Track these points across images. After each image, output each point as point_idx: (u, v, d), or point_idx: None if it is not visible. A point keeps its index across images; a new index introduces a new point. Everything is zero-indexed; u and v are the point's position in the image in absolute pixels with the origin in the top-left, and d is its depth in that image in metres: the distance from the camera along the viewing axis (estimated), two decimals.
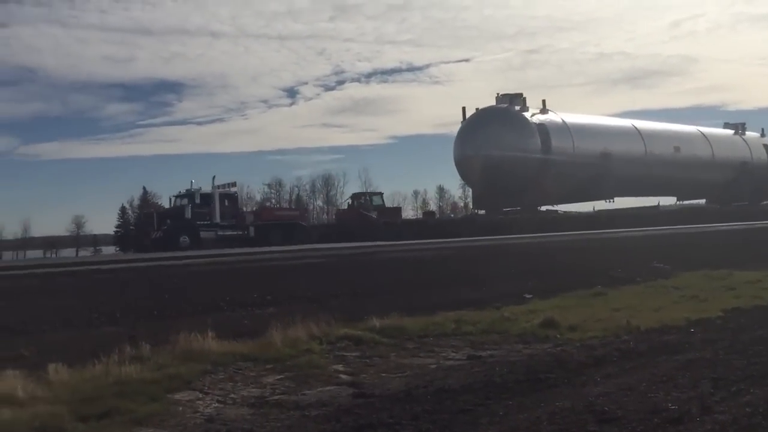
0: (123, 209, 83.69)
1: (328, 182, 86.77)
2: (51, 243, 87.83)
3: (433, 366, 9.07)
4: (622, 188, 48.68)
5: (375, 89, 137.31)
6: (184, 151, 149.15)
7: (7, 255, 75.88)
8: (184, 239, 31.37)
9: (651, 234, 31.27)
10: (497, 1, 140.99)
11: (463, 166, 47.70)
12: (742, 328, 10.87)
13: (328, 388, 7.99)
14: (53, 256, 74.88)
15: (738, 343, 9.43)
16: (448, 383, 7.75)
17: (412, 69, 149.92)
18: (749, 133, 63.17)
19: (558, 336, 10.93)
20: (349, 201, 48.92)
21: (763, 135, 64.87)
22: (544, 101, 47.02)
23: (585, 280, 17.89)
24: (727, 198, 56.64)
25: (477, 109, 47.33)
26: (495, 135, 43.99)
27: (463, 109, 47.64)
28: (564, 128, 46.02)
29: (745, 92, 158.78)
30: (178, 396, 7.71)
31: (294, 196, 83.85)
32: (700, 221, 41.03)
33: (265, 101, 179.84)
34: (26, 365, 8.61)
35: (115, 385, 7.88)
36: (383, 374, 8.65)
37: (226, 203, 35.13)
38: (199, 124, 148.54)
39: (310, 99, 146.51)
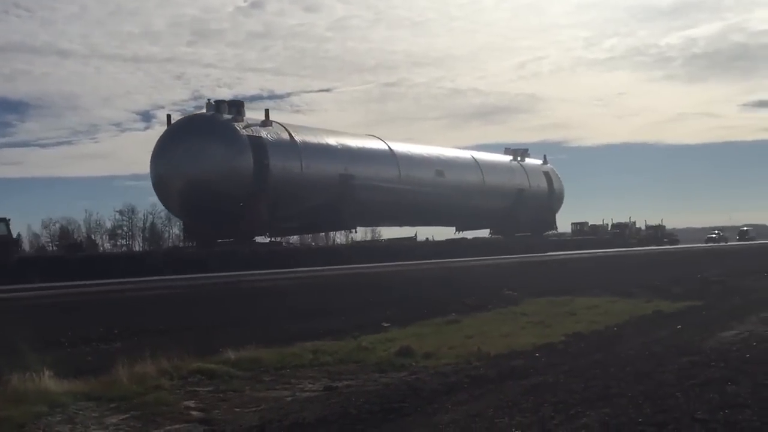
0: None
1: None
2: None
3: (289, 398, 8.94)
4: (370, 216, 43.45)
5: None
6: (26, 175, 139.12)
7: None
8: None
9: (500, 263, 32.79)
10: (358, 34, 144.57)
11: (159, 187, 37.33)
12: (582, 353, 11.59)
13: (176, 426, 7.65)
14: None
15: (577, 368, 10.02)
16: (304, 416, 7.65)
17: (273, 97, 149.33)
18: (529, 160, 59.88)
19: (414, 364, 11.14)
20: None
21: (545, 162, 62.39)
22: (267, 111, 38.90)
23: (441, 307, 18.43)
24: (510, 228, 53.76)
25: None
26: (197, 149, 34.80)
27: (168, 116, 38.10)
28: (291, 145, 38.11)
29: (585, 130, 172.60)
30: None
31: (148, 224, 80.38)
32: (470, 254, 37.20)
33: (117, 124, 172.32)
34: None
35: None
36: (237, 409, 8.41)
37: None
38: (43, 146, 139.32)
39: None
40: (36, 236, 62.15)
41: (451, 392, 8.62)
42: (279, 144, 37.60)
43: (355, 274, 24.42)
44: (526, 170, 57.52)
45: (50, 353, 11.18)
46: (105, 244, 57.29)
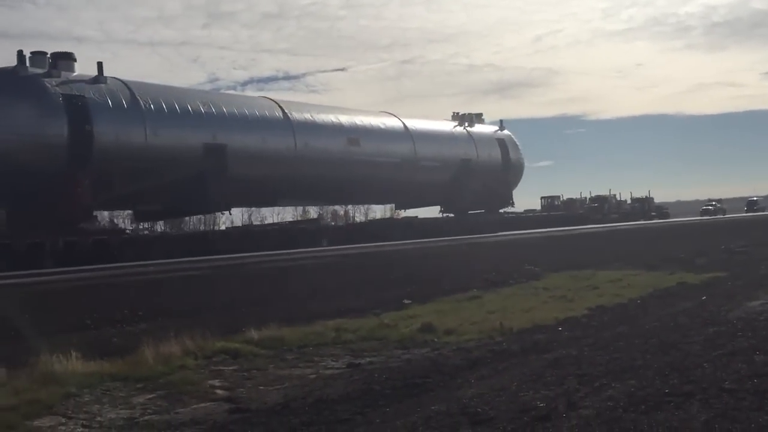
0: None
1: None
2: None
3: (313, 376, 8.99)
4: (252, 195, 35.47)
5: None
6: None
7: None
8: None
9: (522, 238, 32.65)
10: (372, 12, 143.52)
11: None
12: (605, 326, 11.53)
13: (202, 404, 7.73)
14: None
15: (601, 340, 9.98)
16: (327, 393, 7.69)
17: (288, 78, 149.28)
18: (479, 127, 49.78)
19: (435, 340, 11.15)
20: None
21: (500, 129, 51.27)
22: (99, 63, 29.51)
23: (462, 284, 18.41)
24: (456, 205, 45.97)
25: None
26: None
27: None
28: (131, 108, 28.91)
29: (604, 102, 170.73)
30: (38, 423, 7.20)
31: None
32: (379, 238, 31.40)
33: None
34: None
35: None
36: (261, 387, 8.48)
37: None
38: None
39: None
40: None
41: (474, 367, 8.62)
42: (111, 106, 28.21)
43: (374, 252, 24.44)
44: (474, 138, 47.47)
45: (76, 335, 11.33)
46: (127, 227, 58.05)
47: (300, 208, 62.91)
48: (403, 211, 50.74)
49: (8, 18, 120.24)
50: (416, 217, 47.03)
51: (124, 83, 29.96)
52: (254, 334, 11.45)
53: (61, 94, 27.21)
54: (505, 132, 51.49)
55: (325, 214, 61.77)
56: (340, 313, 13.97)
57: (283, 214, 63.00)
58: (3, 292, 13.97)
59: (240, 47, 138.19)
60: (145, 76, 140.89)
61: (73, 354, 9.33)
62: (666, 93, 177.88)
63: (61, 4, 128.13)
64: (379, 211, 60.42)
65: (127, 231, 31.04)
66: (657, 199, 71.74)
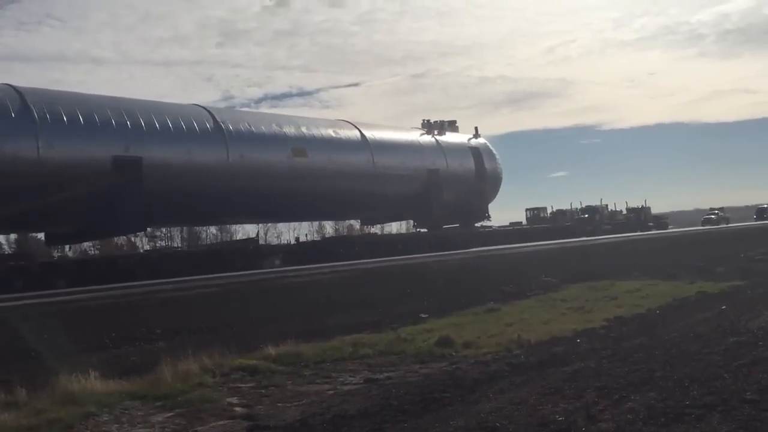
0: None
1: None
2: None
3: (330, 392, 8.97)
4: (173, 214, 31.22)
5: None
6: None
7: None
8: None
9: (538, 249, 32.49)
10: (385, 27, 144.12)
11: None
12: (624, 337, 11.43)
13: (221, 422, 7.73)
14: None
15: (620, 351, 9.90)
16: (345, 409, 7.68)
17: (302, 94, 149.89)
18: (451, 135, 45.81)
19: (453, 354, 11.10)
20: None
21: (475, 136, 47.19)
22: None
23: (479, 296, 18.34)
24: (433, 219, 42.29)
25: None
26: None
27: None
28: (19, 118, 24.86)
29: (618, 112, 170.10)
30: None
31: None
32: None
33: None
34: None
35: None
36: (279, 404, 8.47)
37: None
38: None
39: None
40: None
41: (492, 381, 8.57)
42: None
43: (391, 266, 24.43)
44: (443, 147, 43.50)
45: (96, 354, 11.41)
46: (145, 246, 57.74)
47: (316, 224, 62.20)
48: (371, 226, 47.63)
49: (27, 41, 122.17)
50: (376, 233, 45.34)
51: (15, 89, 26.08)
52: (271, 350, 11.46)
53: None
54: (480, 140, 47.37)
55: (341, 229, 61.30)
56: (357, 328, 13.96)
57: (299, 229, 62.38)
58: (22, 312, 14.11)
59: (254, 65, 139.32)
60: (161, 96, 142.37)
61: (92, 373, 9.39)
62: (680, 101, 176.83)
63: (78, 27, 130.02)
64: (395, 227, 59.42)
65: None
66: (655, 209, 67.58)
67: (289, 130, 35.44)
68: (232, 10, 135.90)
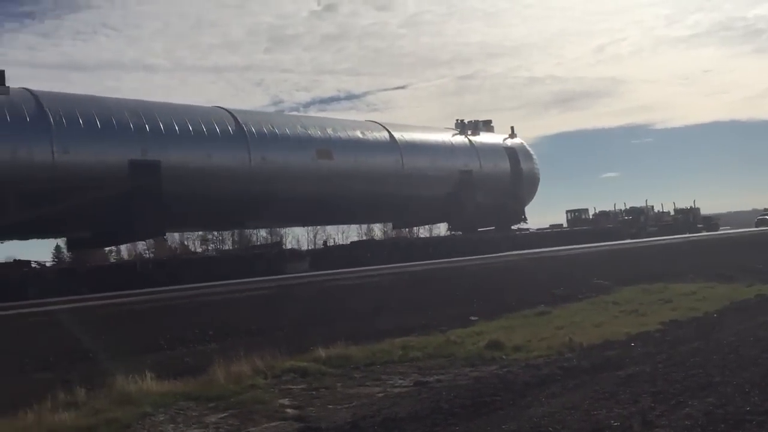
0: None
1: None
2: None
3: (381, 395, 8.99)
4: (191, 218, 30.52)
5: None
6: None
7: None
8: None
9: (587, 251, 31.97)
10: (432, 29, 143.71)
11: None
12: (680, 341, 11.16)
13: (273, 423, 7.82)
14: None
15: (676, 355, 9.66)
16: (396, 412, 7.68)
17: (350, 97, 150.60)
18: (486, 135, 44.39)
19: (504, 357, 11.01)
20: None
21: (511, 136, 45.94)
22: (1, 72, 25.30)
23: (529, 299, 18.13)
24: (466, 222, 41.03)
25: None
26: None
27: None
28: (34, 122, 24.79)
29: (671, 110, 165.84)
30: None
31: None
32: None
33: None
34: None
35: None
36: (330, 406, 8.53)
37: None
38: None
39: None
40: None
41: (543, 385, 8.47)
42: (8, 121, 24.40)
43: (436, 269, 24.36)
44: (477, 148, 42.35)
45: (150, 356, 11.67)
46: (197, 249, 58.74)
47: (364, 227, 61.94)
48: (407, 230, 46.89)
49: (83, 50, 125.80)
50: (405, 237, 44.09)
51: (33, 94, 25.86)
52: (322, 352, 11.55)
53: None
54: (516, 140, 45.92)
55: (389, 232, 61.38)
56: (406, 331, 13.95)
57: (348, 232, 62.36)
58: (78, 314, 14.52)
59: (302, 69, 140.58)
60: (210, 101, 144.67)
61: (148, 374, 9.61)
62: (736, 99, 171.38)
63: (132, 36, 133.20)
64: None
65: (34, 264, 24.93)
66: (708, 210, 65.87)
67: (314, 131, 34.73)
68: (280, 15, 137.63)
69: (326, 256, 33.56)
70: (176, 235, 56.97)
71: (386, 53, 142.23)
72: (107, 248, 43.62)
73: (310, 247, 52.45)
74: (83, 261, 34.56)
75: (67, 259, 37.50)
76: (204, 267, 26.88)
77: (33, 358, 11.61)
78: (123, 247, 48.26)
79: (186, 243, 61.49)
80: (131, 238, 31.57)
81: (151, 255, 48.81)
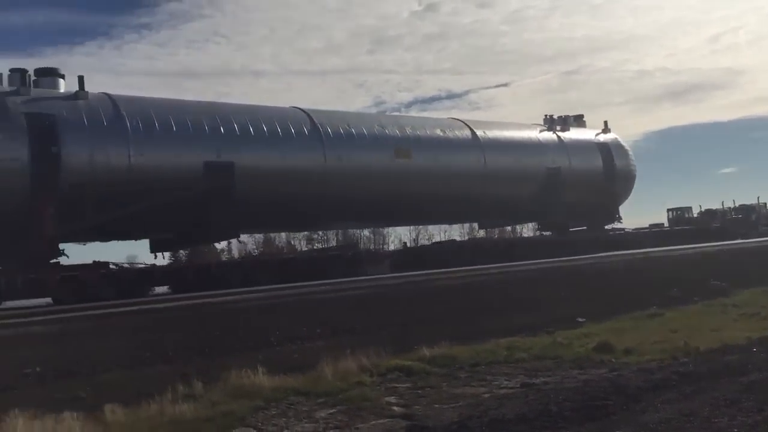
0: None
1: None
2: None
3: (487, 395, 8.93)
4: (266, 219, 30.50)
5: None
6: None
7: None
8: None
9: (703, 251, 30.43)
10: (534, 25, 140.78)
11: None
12: None
13: (381, 420, 7.93)
14: None
15: None
16: (503, 413, 7.59)
17: (451, 96, 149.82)
18: (576, 131, 42.31)
19: (614, 360, 10.68)
20: None
21: (605, 131, 43.63)
22: (80, 77, 26.16)
23: (640, 301, 17.48)
24: (555, 222, 40.02)
25: None
26: None
27: None
28: (113, 126, 25.33)
29: None
30: None
31: None
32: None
33: None
34: (83, 406, 8.76)
35: (171, 424, 7.97)
36: (436, 405, 8.55)
37: None
38: None
39: None
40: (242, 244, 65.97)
41: (657, 390, 8.14)
42: (86, 125, 24.79)
43: (545, 269, 23.90)
44: (566, 144, 40.40)
45: (262, 352, 12.09)
46: (303, 248, 60.09)
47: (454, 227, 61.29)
48: (497, 230, 46.16)
49: (196, 58, 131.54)
50: (486, 238, 43.61)
51: (110, 98, 26.32)
52: (426, 351, 11.60)
53: (24, 113, 23.87)
54: (610, 136, 43.57)
55: (476, 232, 60.72)
56: (510, 331, 13.78)
57: (450, 231, 62.12)
58: (195, 311, 15.24)
59: (404, 70, 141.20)
60: (315, 103, 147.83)
61: (260, 369, 9.97)
62: None
63: (240, 42, 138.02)
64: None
65: (112, 265, 25.14)
66: None
67: (392, 130, 33.83)
68: (381, 17, 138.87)
69: (405, 257, 33.64)
70: (283, 234, 58.53)
71: (488, 51, 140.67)
72: (219, 247, 45.32)
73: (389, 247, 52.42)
74: (193, 260, 36.71)
75: (183, 258, 39.33)
76: (280, 268, 27.16)
77: (153, 352, 12.26)
78: (234, 246, 49.60)
79: (292, 243, 62.85)
80: (207, 240, 31.65)
81: (258, 253, 50.61)
